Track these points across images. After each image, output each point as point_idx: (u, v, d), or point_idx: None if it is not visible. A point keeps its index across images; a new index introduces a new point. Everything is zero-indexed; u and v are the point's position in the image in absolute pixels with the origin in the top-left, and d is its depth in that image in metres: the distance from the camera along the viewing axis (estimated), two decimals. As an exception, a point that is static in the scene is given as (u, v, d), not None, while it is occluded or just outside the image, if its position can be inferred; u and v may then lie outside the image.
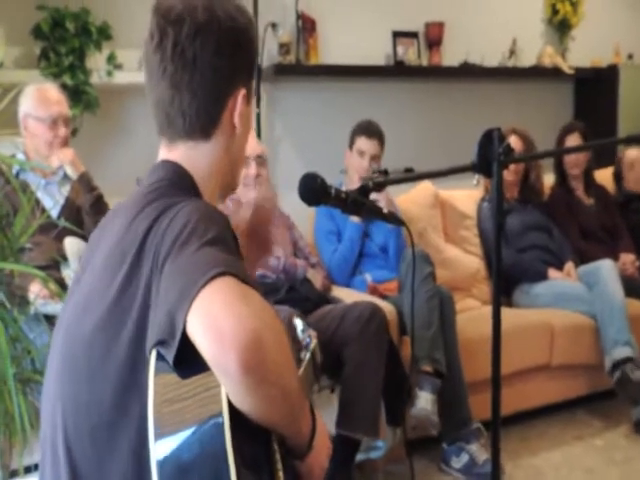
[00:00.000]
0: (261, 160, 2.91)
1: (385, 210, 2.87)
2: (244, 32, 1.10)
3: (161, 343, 0.87)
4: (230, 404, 0.86)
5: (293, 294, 2.68)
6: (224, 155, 1.13)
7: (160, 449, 0.86)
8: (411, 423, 2.65)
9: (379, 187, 1.50)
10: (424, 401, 2.64)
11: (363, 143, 3.15)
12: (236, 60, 1.09)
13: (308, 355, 1.25)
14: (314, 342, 1.29)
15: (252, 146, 2.88)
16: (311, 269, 2.91)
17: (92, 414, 0.96)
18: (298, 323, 1.32)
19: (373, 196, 2.90)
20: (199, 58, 1.06)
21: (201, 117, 1.09)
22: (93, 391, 0.97)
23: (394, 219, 1.58)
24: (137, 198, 1.06)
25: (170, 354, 0.86)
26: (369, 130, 3.16)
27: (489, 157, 1.56)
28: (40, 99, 2.61)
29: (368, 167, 3.09)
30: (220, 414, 0.86)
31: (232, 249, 0.97)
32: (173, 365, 0.87)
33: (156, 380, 0.88)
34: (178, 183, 1.08)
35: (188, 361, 0.87)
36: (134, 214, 1.02)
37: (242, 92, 1.11)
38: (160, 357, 0.89)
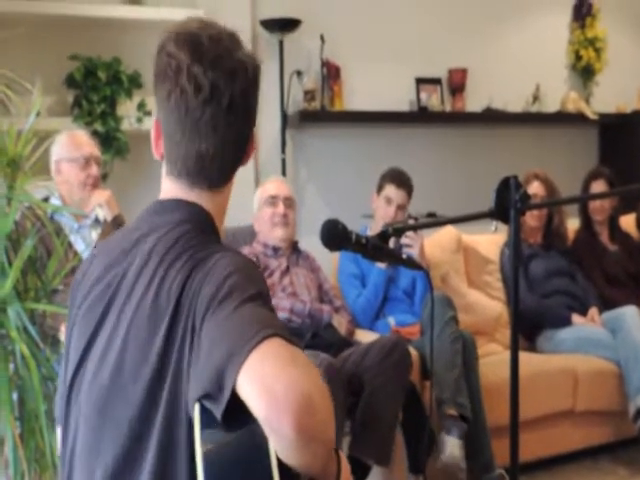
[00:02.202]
0: (289, 202, 2.98)
1: (415, 253, 2.97)
2: (255, 81, 1.10)
3: (206, 397, 0.90)
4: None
5: (317, 340, 2.70)
6: (227, 199, 1.16)
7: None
8: (440, 469, 2.63)
9: (399, 233, 1.54)
10: (452, 447, 2.63)
11: (392, 191, 3.19)
12: (250, 114, 1.10)
13: None
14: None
15: (280, 188, 2.97)
16: (336, 314, 2.93)
17: (111, 466, 0.99)
18: None
19: (406, 240, 3.00)
20: (235, 99, 1.05)
21: (217, 172, 1.10)
22: (131, 458, 0.99)
23: (413, 264, 1.62)
24: (164, 244, 1.04)
25: (218, 410, 0.90)
26: (400, 180, 3.20)
27: (506, 204, 1.60)
28: (71, 142, 2.71)
29: (394, 215, 3.13)
30: (269, 460, 0.90)
31: (268, 302, 0.99)
32: (221, 419, 0.90)
33: (202, 433, 0.92)
34: (202, 228, 1.08)
35: (234, 415, 0.90)
36: (164, 265, 1.02)
37: (252, 141, 1.13)
38: (204, 416, 0.92)
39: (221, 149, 1.07)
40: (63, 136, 2.71)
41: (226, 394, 0.88)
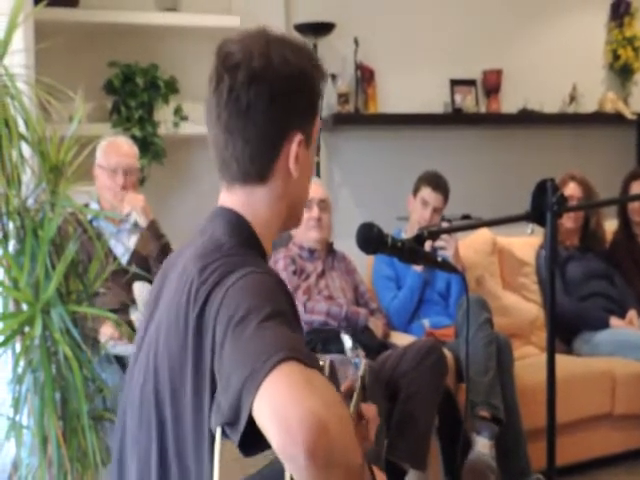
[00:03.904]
0: (324, 205, 2.99)
1: (450, 255, 2.96)
2: (301, 76, 1.09)
3: (227, 425, 0.91)
4: None
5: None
6: (281, 199, 1.14)
7: None
8: (469, 467, 2.62)
9: (434, 236, 1.55)
10: (481, 446, 2.63)
11: (428, 194, 3.18)
12: (291, 106, 1.09)
13: (358, 382, 1.24)
14: (364, 362, 1.30)
15: (315, 190, 2.95)
16: (372, 317, 2.94)
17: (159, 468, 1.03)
18: (346, 340, 1.33)
19: (440, 243, 3.00)
20: (252, 106, 1.06)
21: (255, 163, 1.10)
22: (161, 450, 1.03)
23: (449, 267, 1.62)
24: (197, 254, 1.07)
25: (235, 436, 0.90)
26: (437, 183, 3.20)
27: (543, 207, 1.60)
28: (107, 150, 2.78)
29: (429, 218, 3.13)
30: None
31: (290, 320, 0.97)
32: (238, 446, 0.90)
33: (221, 456, 0.93)
34: (237, 236, 1.09)
35: (253, 440, 0.90)
36: (195, 271, 1.04)
37: (298, 137, 1.10)
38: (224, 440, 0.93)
39: (232, 140, 1.09)
40: (103, 143, 2.78)
41: (242, 422, 0.88)
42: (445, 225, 3.02)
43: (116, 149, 2.79)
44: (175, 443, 1.01)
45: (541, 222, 1.61)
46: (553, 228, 1.59)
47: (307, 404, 0.84)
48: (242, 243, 1.09)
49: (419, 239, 1.54)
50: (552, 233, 1.59)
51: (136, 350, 1.14)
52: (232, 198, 1.13)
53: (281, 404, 0.85)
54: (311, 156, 1.17)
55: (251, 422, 0.88)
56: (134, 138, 3.16)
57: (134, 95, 3.28)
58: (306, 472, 0.84)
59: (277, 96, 1.07)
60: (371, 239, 1.45)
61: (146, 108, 3.29)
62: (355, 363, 1.29)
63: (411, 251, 1.50)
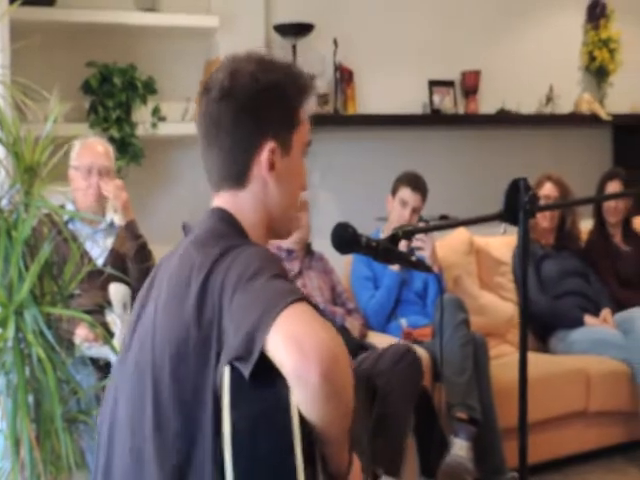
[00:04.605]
0: (302, 205, 2.99)
1: (427, 255, 2.98)
2: (272, 91, 1.19)
3: (237, 360, 0.98)
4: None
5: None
6: (263, 205, 1.22)
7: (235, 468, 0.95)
8: (446, 470, 2.65)
9: (408, 236, 1.57)
10: (458, 448, 2.65)
11: (407, 194, 3.20)
12: (260, 117, 1.19)
13: None
14: None
15: None
16: (349, 317, 2.95)
17: (157, 439, 1.05)
18: None
19: (417, 243, 3.01)
20: (223, 119, 1.19)
21: (230, 169, 1.21)
22: (162, 421, 1.06)
23: (424, 267, 1.63)
24: (195, 241, 1.17)
25: (247, 368, 0.97)
26: (416, 183, 3.22)
27: (515, 206, 1.61)
28: (80, 150, 2.76)
29: (409, 218, 3.15)
30: (291, 422, 0.96)
31: (295, 284, 1.10)
32: (249, 378, 0.97)
33: (231, 396, 0.98)
34: (230, 229, 1.19)
35: (261, 377, 0.98)
36: (196, 254, 1.12)
37: (269, 146, 1.20)
38: (233, 378, 0.99)
39: (210, 149, 1.22)
40: (77, 144, 2.76)
41: (256, 352, 0.96)
42: (422, 225, 3.04)
43: (90, 150, 2.77)
44: (173, 403, 1.05)
45: (514, 221, 1.62)
46: (525, 227, 1.61)
47: (321, 335, 0.96)
48: (236, 232, 1.19)
49: (394, 239, 1.55)
50: (525, 232, 1.61)
51: (130, 333, 1.19)
52: (220, 201, 1.23)
53: (296, 332, 0.96)
54: (297, 165, 1.25)
55: (261, 365, 0.96)
56: (112, 139, 3.15)
57: (112, 95, 3.26)
58: (316, 394, 0.94)
59: (244, 109, 1.19)
60: (346, 239, 1.47)
61: (124, 108, 3.28)
62: None
63: (386, 251, 1.51)
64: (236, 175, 1.21)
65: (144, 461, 1.06)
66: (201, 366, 1.04)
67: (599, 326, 3.37)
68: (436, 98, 4.35)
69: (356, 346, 2.78)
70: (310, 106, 1.27)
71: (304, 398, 0.96)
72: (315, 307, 1.02)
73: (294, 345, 0.94)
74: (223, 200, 1.23)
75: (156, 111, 3.43)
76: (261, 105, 1.19)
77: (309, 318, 0.98)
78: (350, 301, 3.11)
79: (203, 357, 1.04)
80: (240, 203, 1.21)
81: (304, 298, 1.01)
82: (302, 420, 0.98)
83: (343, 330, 2.85)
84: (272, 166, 1.20)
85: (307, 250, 3.08)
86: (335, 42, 4.00)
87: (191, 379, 1.05)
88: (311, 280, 2.98)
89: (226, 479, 0.96)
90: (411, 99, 4.31)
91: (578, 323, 3.39)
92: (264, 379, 0.98)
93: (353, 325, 2.94)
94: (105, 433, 1.15)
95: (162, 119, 3.45)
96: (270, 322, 0.96)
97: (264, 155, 1.20)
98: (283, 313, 0.96)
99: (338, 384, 0.96)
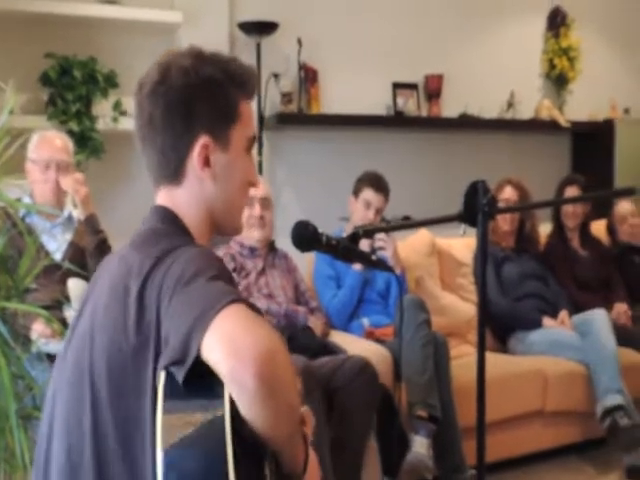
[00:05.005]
0: (266, 203, 2.97)
1: (389, 255, 2.99)
2: (200, 85, 1.16)
3: (173, 364, 0.95)
4: (232, 424, 0.92)
5: (293, 343, 2.70)
6: (201, 201, 1.20)
7: (166, 458, 0.91)
8: (407, 468, 2.66)
9: (368, 235, 1.57)
10: (419, 445, 2.66)
11: (371, 195, 3.21)
12: (191, 112, 1.16)
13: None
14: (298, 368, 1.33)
15: (257, 188, 2.91)
16: (312, 317, 2.94)
17: (98, 442, 1.02)
18: None
19: (379, 243, 3.02)
20: (153, 115, 1.17)
21: (164, 166, 1.19)
22: (100, 421, 1.03)
23: (384, 266, 1.64)
24: (138, 241, 1.15)
25: (181, 372, 0.94)
26: (378, 184, 3.22)
27: (474, 208, 1.63)
28: (39, 143, 2.70)
29: (373, 219, 3.16)
30: (223, 440, 0.91)
31: (234, 286, 1.06)
32: (183, 383, 0.94)
33: (165, 402, 0.95)
34: (171, 227, 1.17)
35: (197, 383, 0.94)
36: (137, 256, 1.09)
37: (202, 141, 1.17)
38: (168, 383, 0.95)
39: (143, 145, 1.21)
40: (37, 136, 2.71)
41: (191, 355, 0.93)
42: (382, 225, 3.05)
43: (48, 143, 2.72)
44: (110, 405, 1.02)
45: (473, 223, 1.64)
46: (484, 229, 1.62)
47: (257, 334, 0.93)
48: (176, 231, 1.17)
49: (354, 238, 1.55)
50: (483, 233, 1.62)
51: (71, 330, 1.16)
52: (160, 198, 1.22)
53: (231, 332, 0.92)
54: (238, 161, 1.21)
55: (197, 368, 0.93)
56: (71, 132, 3.10)
57: (71, 88, 3.21)
58: (254, 397, 0.91)
59: (173, 104, 1.16)
60: (306, 237, 1.46)
61: (84, 102, 3.23)
62: None
63: (346, 250, 1.52)
64: (171, 172, 1.19)
65: (80, 462, 1.03)
66: (139, 370, 1.01)
67: (557, 328, 3.42)
68: (400, 100, 4.38)
69: (319, 346, 2.78)
70: (251, 101, 1.24)
71: (242, 401, 0.92)
72: (253, 308, 0.98)
73: (229, 347, 0.91)
74: (162, 198, 1.21)
75: (117, 105, 3.39)
76: (193, 100, 1.16)
77: (246, 319, 0.95)
78: (313, 300, 3.11)
79: (141, 361, 1.01)
80: (178, 200, 1.19)
81: (242, 299, 0.97)
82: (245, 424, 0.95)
83: (306, 329, 2.84)
84: (206, 162, 1.18)
85: (270, 248, 3.06)
86: (299, 41, 4.00)
87: (129, 383, 1.02)
88: (274, 279, 2.97)
89: None
90: (375, 101, 4.33)
91: (536, 325, 3.44)
92: (200, 384, 0.94)
93: (316, 324, 2.93)
94: (45, 432, 1.12)
95: (123, 113, 3.41)
96: (206, 324, 0.93)
97: (196, 151, 1.17)
98: (219, 315, 0.93)
99: (276, 385, 0.93)
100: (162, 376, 0.96)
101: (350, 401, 2.43)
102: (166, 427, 0.93)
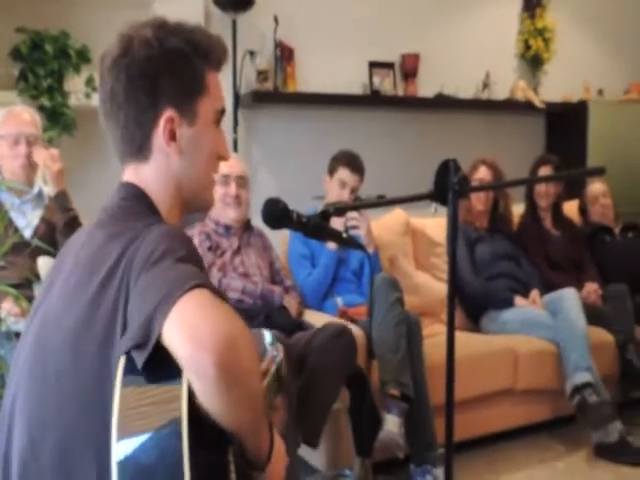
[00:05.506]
0: (242, 181, 2.94)
1: (362, 234, 2.99)
2: (164, 57, 1.13)
3: (135, 348, 0.92)
4: (190, 413, 0.90)
5: (269, 322, 2.69)
6: (168, 177, 1.17)
7: (121, 450, 0.90)
8: (378, 446, 2.68)
9: (339, 213, 1.57)
10: (391, 424, 2.68)
11: (346, 175, 3.20)
12: (154, 85, 1.13)
13: (273, 367, 1.27)
14: (280, 356, 1.31)
15: (233, 166, 2.89)
16: (287, 296, 2.94)
17: (59, 426, 1.00)
18: (267, 335, 1.34)
19: (353, 222, 3.02)
20: (115, 89, 1.14)
21: (128, 143, 1.16)
22: (60, 404, 1.01)
23: (355, 244, 1.64)
24: (105, 219, 1.13)
25: (142, 357, 0.91)
26: (354, 164, 3.21)
27: (445, 187, 1.63)
28: (7, 118, 2.66)
29: (347, 198, 3.16)
30: (180, 422, 0.89)
31: (202, 267, 1.03)
32: (142, 369, 0.91)
33: (123, 387, 0.92)
34: (138, 205, 1.15)
35: (157, 369, 0.91)
36: (104, 235, 1.07)
37: (167, 115, 1.14)
38: (128, 367, 0.93)
39: (106, 121, 1.17)
40: (4, 111, 2.66)
41: (152, 340, 0.90)
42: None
43: (16, 118, 2.67)
44: (73, 390, 1.00)
45: (444, 201, 1.65)
46: (455, 207, 1.63)
47: (218, 320, 0.89)
48: (144, 209, 1.15)
49: (324, 215, 1.55)
50: (453, 212, 1.63)
51: (34, 310, 1.14)
52: (127, 175, 1.19)
53: (192, 319, 0.89)
54: (207, 134, 1.19)
55: (159, 352, 0.90)
56: (43, 108, 3.05)
57: (43, 63, 3.16)
58: (213, 386, 0.88)
59: (136, 77, 1.12)
60: (276, 214, 1.46)
61: (56, 77, 3.19)
62: (273, 355, 1.29)
63: (316, 227, 1.51)
64: (136, 149, 1.16)
65: (42, 449, 1.01)
66: (105, 353, 0.99)
67: (528, 307, 3.45)
68: (376, 79, 4.37)
69: (293, 325, 2.78)
70: (219, 72, 1.20)
71: (201, 390, 0.90)
72: (218, 293, 0.95)
73: (189, 333, 0.88)
74: (129, 174, 1.18)
75: (90, 81, 3.34)
76: (156, 73, 1.12)
77: (208, 305, 0.91)
78: (288, 278, 3.10)
79: (107, 344, 0.99)
80: (145, 177, 1.17)
81: (206, 284, 0.94)
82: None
83: (282, 310, 2.84)
84: (172, 136, 1.15)
85: (246, 227, 3.04)
86: (276, 19, 3.97)
87: (95, 367, 0.99)
88: (249, 257, 2.95)
89: None
90: (351, 79, 4.32)
91: (508, 304, 3.47)
92: (161, 369, 0.91)
93: (290, 304, 2.93)
94: (6, 417, 1.09)
95: (96, 89, 3.36)
96: (168, 308, 0.90)
97: (161, 125, 1.14)
98: (182, 299, 0.90)
99: (237, 374, 0.90)
100: (122, 360, 0.93)
101: (325, 359, 2.42)
102: (123, 414, 0.91)
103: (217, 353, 0.87)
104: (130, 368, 0.93)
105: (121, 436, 0.90)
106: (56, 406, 1.01)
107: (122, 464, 0.89)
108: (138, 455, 0.89)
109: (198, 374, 0.88)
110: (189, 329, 0.88)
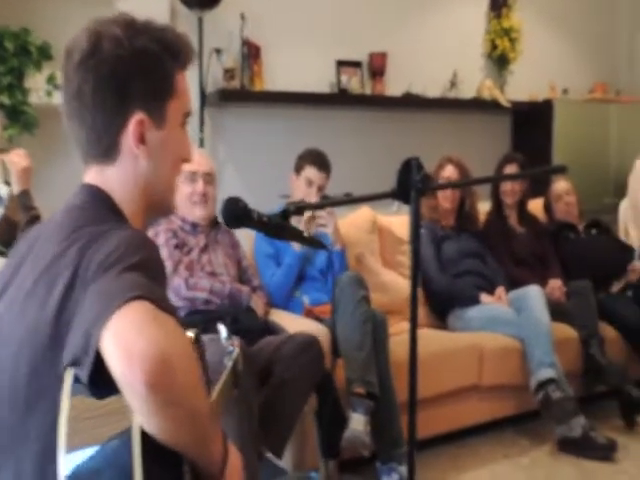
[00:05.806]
0: (209, 178, 2.90)
1: (329, 232, 2.98)
2: (134, 58, 1.09)
3: (76, 362, 0.89)
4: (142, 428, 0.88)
5: (237, 325, 2.66)
6: (134, 180, 1.15)
7: (69, 463, 0.87)
8: (344, 445, 2.68)
9: (299, 212, 1.57)
10: (356, 422, 2.68)
11: (313, 174, 3.18)
12: (123, 86, 1.10)
13: (230, 363, 1.25)
14: (237, 350, 1.30)
15: (200, 163, 2.84)
16: (254, 295, 2.92)
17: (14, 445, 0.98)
18: (222, 330, 1.32)
19: (320, 221, 3.01)
20: (82, 90, 1.09)
21: (94, 145, 1.13)
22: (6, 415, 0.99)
23: (315, 243, 1.64)
24: (64, 222, 1.09)
25: (84, 372, 0.88)
26: (321, 162, 3.20)
27: (408, 185, 1.64)
28: None
29: (315, 196, 3.15)
30: (130, 434, 0.88)
31: (155, 276, 0.99)
32: (88, 384, 0.88)
33: (72, 399, 0.90)
34: (100, 208, 1.12)
35: (103, 381, 0.88)
36: (63, 238, 1.04)
37: (137, 117, 1.11)
38: (77, 378, 0.90)
39: (71, 122, 1.14)
40: None
41: (91, 355, 0.88)
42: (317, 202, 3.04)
43: None
44: (27, 400, 0.98)
45: (406, 200, 1.65)
46: (417, 206, 1.64)
47: (152, 337, 0.86)
48: (107, 212, 1.12)
49: (285, 214, 1.55)
50: (416, 211, 1.63)
51: None
52: (90, 176, 1.15)
53: (125, 335, 0.86)
54: (174, 137, 1.17)
55: (103, 363, 0.87)
56: (2, 106, 3.00)
57: (2, 60, 3.12)
58: (145, 404, 0.86)
59: (104, 78, 1.09)
60: (236, 213, 1.45)
61: (16, 74, 3.13)
62: (229, 350, 1.28)
63: (277, 227, 1.51)
64: (102, 151, 1.12)
65: None
66: (54, 365, 0.95)
67: (494, 304, 3.49)
68: (343, 78, 4.37)
69: (261, 327, 2.75)
70: (186, 73, 1.17)
71: (136, 407, 0.87)
72: (161, 305, 0.91)
73: (122, 349, 0.85)
74: (92, 176, 1.15)
75: (52, 78, 3.29)
76: (127, 73, 1.09)
77: (147, 319, 0.88)
78: (255, 277, 3.09)
79: (56, 355, 0.95)
80: (109, 179, 1.14)
81: (148, 295, 0.90)
82: None
83: (249, 311, 2.82)
84: (142, 139, 1.12)
85: (214, 224, 3.01)
86: (242, 17, 3.95)
87: (44, 380, 0.96)
88: (217, 256, 2.92)
89: None
90: (319, 78, 4.31)
91: (474, 301, 3.50)
92: (105, 383, 0.87)
93: (257, 304, 2.91)
94: None
95: (58, 87, 3.31)
96: (104, 321, 0.87)
97: (131, 128, 1.11)
98: (120, 312, 0.87)
99: (174, 392, 0.86)
100: (69, 374, 0.91)
101: (292, 371, 2.40)
102: (71, 429, 0.88)
103: (147, 372, 0.84)
104: (77, 384, 0.91)
105: (69, 448, 0.88)
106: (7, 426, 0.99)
107: (70, 478, 0.87)
108: (88, 469, 0.87)
109: (130, 393, 0.86)
110: (121, 345, 0.86)
